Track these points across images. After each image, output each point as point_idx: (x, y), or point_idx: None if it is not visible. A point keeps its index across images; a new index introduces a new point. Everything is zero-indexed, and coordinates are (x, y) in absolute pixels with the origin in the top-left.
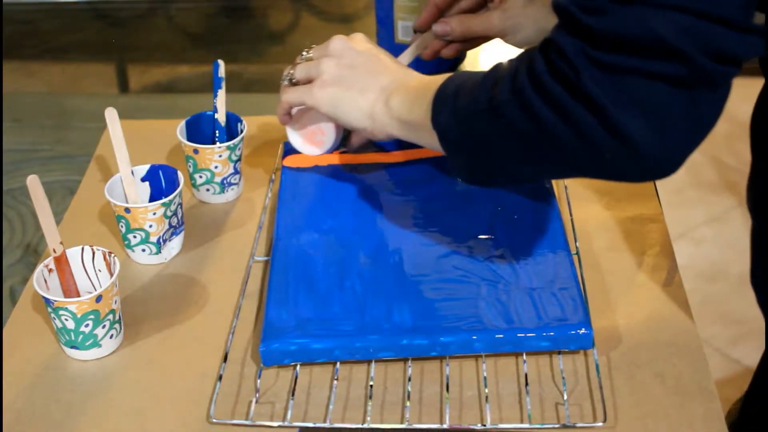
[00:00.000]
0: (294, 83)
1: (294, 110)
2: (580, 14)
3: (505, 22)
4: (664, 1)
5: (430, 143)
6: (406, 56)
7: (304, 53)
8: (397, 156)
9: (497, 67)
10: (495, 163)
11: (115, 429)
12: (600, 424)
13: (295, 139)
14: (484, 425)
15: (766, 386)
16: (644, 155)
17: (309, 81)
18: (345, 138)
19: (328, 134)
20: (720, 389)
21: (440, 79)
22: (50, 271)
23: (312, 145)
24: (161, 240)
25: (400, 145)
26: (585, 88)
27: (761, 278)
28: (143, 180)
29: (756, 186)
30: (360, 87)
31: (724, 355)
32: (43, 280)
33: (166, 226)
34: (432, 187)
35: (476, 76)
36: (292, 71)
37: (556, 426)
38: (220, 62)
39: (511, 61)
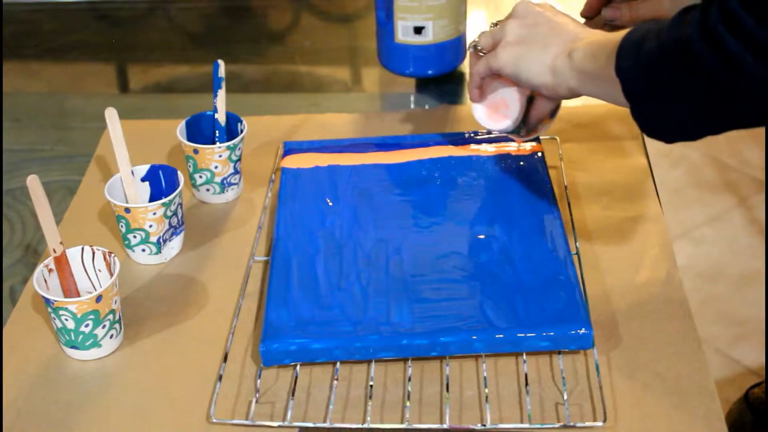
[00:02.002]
0: (480, 50)
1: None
2: None
3: (675, 4)
4: None
5: (612, 95)
6: None
7: (491, 26)
8: (397, 156)
9: (686, 10)
10: (680, 112)
11: (115, 429)
12: (600, 424)
13: (480, 114)
14: (484, 425)
15: None
16: None
17: (494, 47)
18: (524, 119)
19: (512, 106)
20: (720, 389)
21: (625, 32)
22: (50, 271)
23: (497, 121)
24: (161, 240)
25: (400, 145)
26: None
27: None
28: (143, 180)
29: None
30: (543, 43)
31: (724, 355)
32: (43, 280)
33: (166, 226)
34: (432, 187)
35: (664, 22)
36: (477, 39)
37: (556, 426)
38: (220, 62)
39: (701, 4)
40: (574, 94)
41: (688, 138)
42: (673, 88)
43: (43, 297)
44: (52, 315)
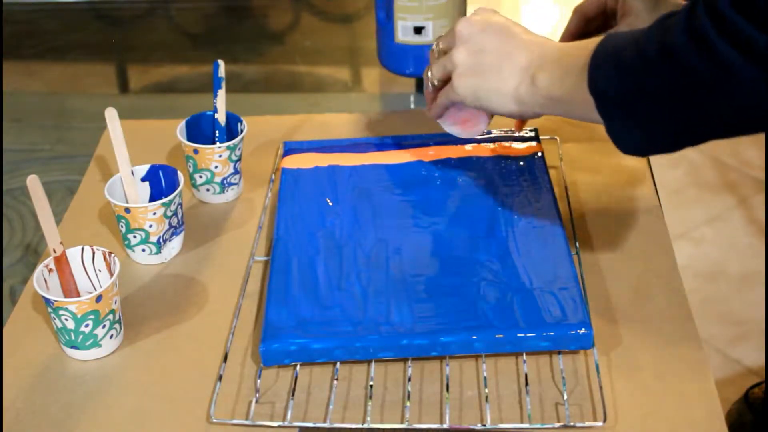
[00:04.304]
0: (434, 82)
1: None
2: None
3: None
4: None
5: (583, 114)
6: None
7: (434, 46)
8: (397, 156)
9: (665, 16)
10: (663, 122)
11: (115, 429)
12: (600, 424)
13: (450, 127)
14: (484, 425)
15: None
16: None
17: (449, 76)
18: None
19: (480, 120)
20: (720, 389)
21: (586, 44)
22: (50, 271)
23: (466, 131)
24: (161, 240)
25: (400, 145)
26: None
27: None
28: (143, 180)
29: None
30: (497, 72)
31: (724, 355)
32: (43, 280)
33: (166, 226)
34: (432, 187)
35: (637, 32)
36: (431, 74)
37: (556, 426)
38: (220, 62)
39: (683, 8)
40: (540, 116)
41: (669, 150)
42: (656, 98)
43: (43, 297)
44: (52, 315)
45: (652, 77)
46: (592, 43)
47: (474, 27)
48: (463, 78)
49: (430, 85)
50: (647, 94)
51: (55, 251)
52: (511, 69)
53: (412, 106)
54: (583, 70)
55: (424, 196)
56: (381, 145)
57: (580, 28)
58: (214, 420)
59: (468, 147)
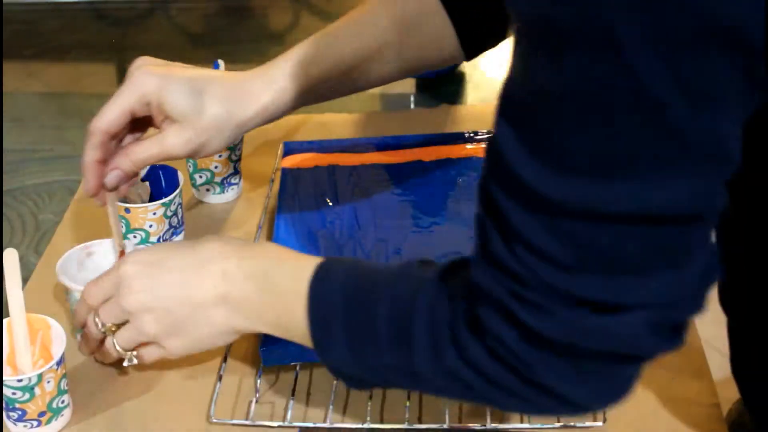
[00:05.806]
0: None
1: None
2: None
3: (191, 137)
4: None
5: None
6: (117, 232)
7: (101, 327)
8: (397, 156)
9: (405, 323)
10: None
11: (115, 429)
12: (600, 424)
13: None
14: (484, 425)
15: None
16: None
17: (137, 343)
18: None
19: None
20: (720, 389)
21: (282, 283)
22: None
23: None
24: (161, 240)
25: (400, 145)
26: (538, 379)
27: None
28: (143, 180)
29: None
30: (201, 324)
31: (724, 355)
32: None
33: (166, 226)
34: (432, 187)
35: (364, 310)
36: (125, 352)
37: (556, 426)
38: (220, 62)
39: (417, 315)
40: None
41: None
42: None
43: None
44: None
45: (403, 381)
46: (299, 280)
47: (135, 299)
48: (170, 339)
49: (94, 330)
50: (389, 382)
51: None
52: (209, 310)
53: (412, 106)
54: (308, 335)
55: (424, 196)
56: (381, 145)
57: (108, 147)
58: (214, 420)
59: (468, 147)
